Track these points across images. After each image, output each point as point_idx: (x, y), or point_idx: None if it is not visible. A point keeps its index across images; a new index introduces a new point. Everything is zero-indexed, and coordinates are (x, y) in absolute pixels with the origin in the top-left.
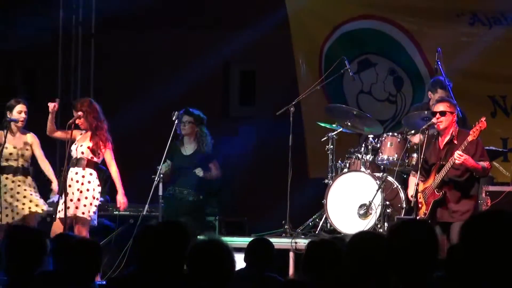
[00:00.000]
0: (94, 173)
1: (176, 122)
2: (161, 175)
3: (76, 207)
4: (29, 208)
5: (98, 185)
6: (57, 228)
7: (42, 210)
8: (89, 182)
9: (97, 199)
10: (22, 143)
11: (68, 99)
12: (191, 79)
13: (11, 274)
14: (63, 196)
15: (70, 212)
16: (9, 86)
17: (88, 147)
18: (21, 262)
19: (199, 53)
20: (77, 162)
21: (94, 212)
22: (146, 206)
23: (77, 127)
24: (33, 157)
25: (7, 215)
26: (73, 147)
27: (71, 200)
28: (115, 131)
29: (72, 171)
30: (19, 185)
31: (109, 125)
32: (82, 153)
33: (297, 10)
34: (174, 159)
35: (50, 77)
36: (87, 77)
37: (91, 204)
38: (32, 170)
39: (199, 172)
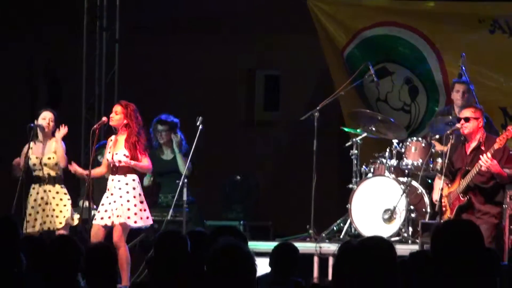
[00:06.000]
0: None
1: (200, 127)
2: (185, 180)
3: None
4: (60, 222)
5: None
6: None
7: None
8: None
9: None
10: (45, 152)
11: (93, 105)
12: (215, 85)
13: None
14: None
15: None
16: (33, 95)
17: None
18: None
19: (224, 59)
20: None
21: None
22: (171, 211)
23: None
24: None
25: (33, 226)
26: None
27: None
28: None
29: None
30: (46, 197)
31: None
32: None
33: (318, 16)
34: (154, 166)
35: (74, 84)
36: (112, 83)
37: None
38: (60, 178)
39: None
